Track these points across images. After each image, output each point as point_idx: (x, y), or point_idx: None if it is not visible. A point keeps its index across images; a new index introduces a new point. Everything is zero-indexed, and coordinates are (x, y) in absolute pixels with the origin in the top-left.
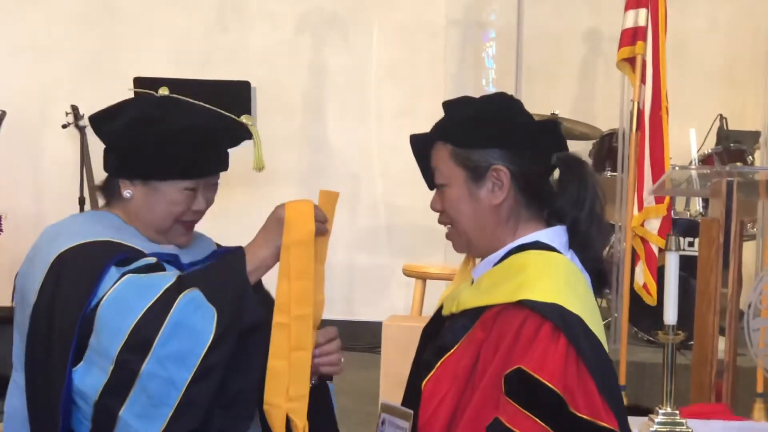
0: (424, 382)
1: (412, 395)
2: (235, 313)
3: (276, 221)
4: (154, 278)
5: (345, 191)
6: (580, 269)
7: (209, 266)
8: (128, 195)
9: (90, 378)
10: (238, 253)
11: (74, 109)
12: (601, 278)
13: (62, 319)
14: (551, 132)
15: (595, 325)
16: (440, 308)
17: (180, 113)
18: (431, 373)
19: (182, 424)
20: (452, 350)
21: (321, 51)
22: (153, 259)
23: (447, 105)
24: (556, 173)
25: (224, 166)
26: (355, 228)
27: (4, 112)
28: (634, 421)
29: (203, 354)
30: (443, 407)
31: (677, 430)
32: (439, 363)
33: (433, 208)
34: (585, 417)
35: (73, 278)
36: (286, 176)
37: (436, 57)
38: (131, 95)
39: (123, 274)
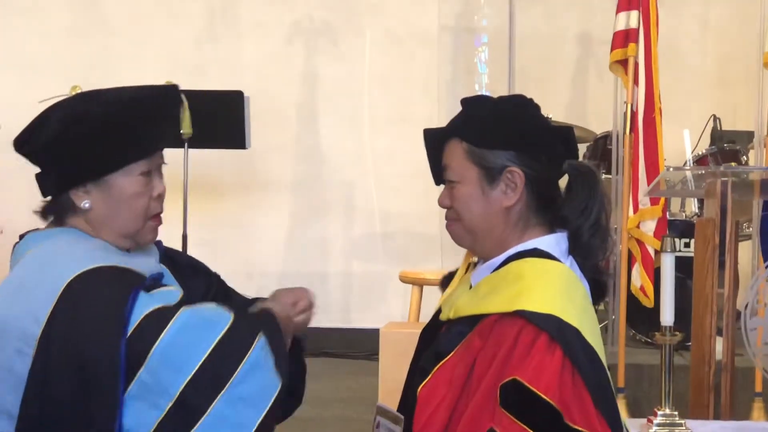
0: (419, 388)
1: (408, 400)
2: (286, 366)
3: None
4: (212, 313)
5: (339, 199)
6: (580, 277)
7: (253, 313)
8: (87, 206)
9: (138, 414)
10: (268, 309)
11: None
12: (599, 288)
13: (98, 351)
14: (565, 138)
15: (593, 336)
16: (439, 311)
17: (103, 99)
18: (427, 379)
19: None
20: (448, 357)
21: (313, 59)
22: (177, 289)
23: (465, 102)
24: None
25: (168, 141)
26: (351, 235)
27: None
28: (633, 423)
29: (274, 398)
30: (438, 414)
31: (676, 430)
32: (435, 369)
33: (442, 204)
34: (580, 429)
35: (99, 304)
36: (280, 185)
37: (429, 63)
38: None
39: (174, 308)
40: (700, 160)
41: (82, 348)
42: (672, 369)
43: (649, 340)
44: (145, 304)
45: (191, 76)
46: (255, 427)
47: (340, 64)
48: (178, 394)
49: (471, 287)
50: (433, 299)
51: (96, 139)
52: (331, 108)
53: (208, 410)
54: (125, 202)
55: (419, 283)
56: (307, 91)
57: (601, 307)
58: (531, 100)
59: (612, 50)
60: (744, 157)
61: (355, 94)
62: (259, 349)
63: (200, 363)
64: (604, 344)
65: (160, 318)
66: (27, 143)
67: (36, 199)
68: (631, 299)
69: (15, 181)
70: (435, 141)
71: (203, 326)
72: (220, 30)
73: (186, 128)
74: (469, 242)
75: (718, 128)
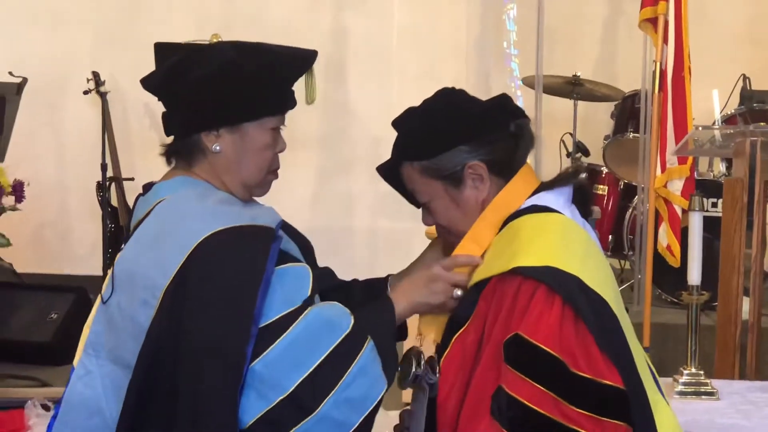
0: (441, 360)
1: None
2: (394, 370)
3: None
4: (334, 315)
5: (367, 155)
6: (581, 224)
7: (370, 314)
8: (217, 149)
9: (245, 402)
10: (389, 307)
11: (95, 75)
12: (586, 197)
13: (228, 324)
14: (502, 105)
15: (598, 281)
16: None
17: (255, 51)
18: (447, 350)
19: None
20: (464, 327)
21: (341, 15)
22: (305, 267)
23: (395, 124)
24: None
25: (295, 101)
26: (378, 192)
27: (24, 80)
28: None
29: (377, 401)
30: (457, 384)
31: (702, 390)
32: (452, 340)
33: (427, 224)
34: (587, 376)
35: (232, 278)
36: (307, 141)
37: (458, 20)
38: (152, 61)
39: (304, 306)
40: (728, 120)
41: (213, 318)
42: (698, 329)
43: (675, 300)
44: (276, 289)
45: (220, 30)
46: (355, 426)
47: (368, 19)
48: (291, 390)
49: None
50: None
51: (245, 87)
52: (359, 64)
53: (317, 410)
54: (255, 152)
55: None
56: (335, 47)
57: (627, 266)
58: (453, 88)
59: (642, 8)
60: None
61: (383, 51)
62: (368, 353)
63: (317, 364)
64: (629, 303)
65: (288, 318)
66: (169, 81)
67: (60, 153)
68: (658, 259)
69: (40, 135)
70: (390, 174)
71: (326, 329)
72: None
73: (313, 95)
74: None
75: (748, 88)
